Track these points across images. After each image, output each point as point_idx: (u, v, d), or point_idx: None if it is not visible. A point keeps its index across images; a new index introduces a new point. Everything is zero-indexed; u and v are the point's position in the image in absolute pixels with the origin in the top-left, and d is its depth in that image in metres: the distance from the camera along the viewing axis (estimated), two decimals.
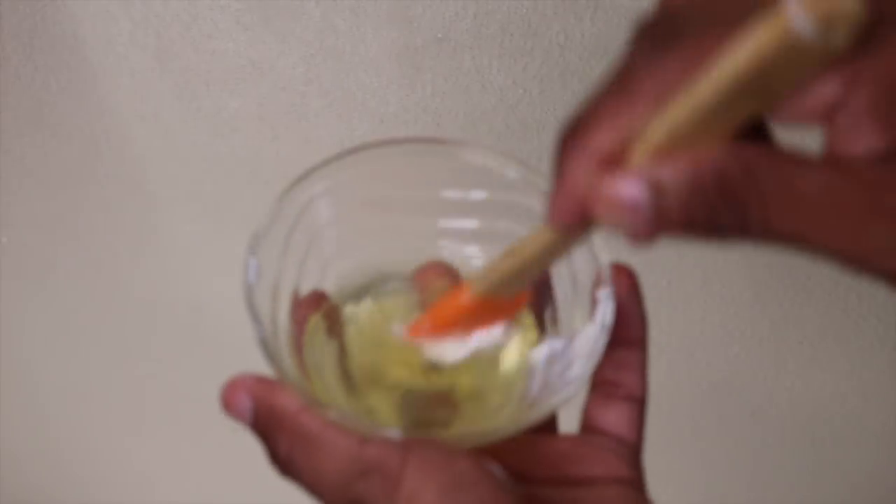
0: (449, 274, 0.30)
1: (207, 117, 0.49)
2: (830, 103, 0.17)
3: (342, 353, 0.29)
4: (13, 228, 0.61)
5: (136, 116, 0.50)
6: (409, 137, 0.29)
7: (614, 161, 0.19)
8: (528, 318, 0.30)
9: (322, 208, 0.29)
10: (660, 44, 0.19)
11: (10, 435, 0.82)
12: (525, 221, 0.29)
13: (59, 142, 0.53)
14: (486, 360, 0.29)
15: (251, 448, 0.28)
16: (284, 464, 0.25)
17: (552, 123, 0.44)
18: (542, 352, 0.29)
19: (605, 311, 0.27)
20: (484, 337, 0.28)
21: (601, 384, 0.28)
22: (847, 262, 0.18)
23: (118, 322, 0.66)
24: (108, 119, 0.51)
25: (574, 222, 0.21)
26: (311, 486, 0.25)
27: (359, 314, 0.30)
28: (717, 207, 0.18)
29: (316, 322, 0.29)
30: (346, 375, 0.28)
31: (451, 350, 0.28)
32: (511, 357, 0.29)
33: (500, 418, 0.28)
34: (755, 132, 0.19)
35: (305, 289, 0.29)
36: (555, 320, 0.29)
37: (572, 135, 0.20)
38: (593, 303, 0.27)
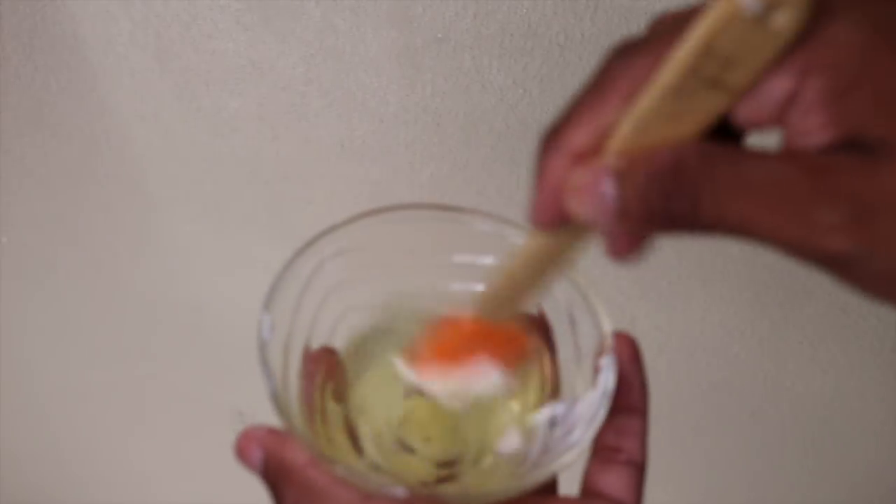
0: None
1: (207, 117, 0.49)
2: (784, 99, 0.18)
3: (348, 414, 0.30)
4: (13, 228, 0.61)
5: (136, 116, 0.50)
6: (419, 203, 0.30)
7: (590, 158, 0.20)
8: (532, 380, 0.30)
9: (333, 270, 0.30)
10: (633, 49, 0.20)
11: (10, 435, 0.82)
12: None
13: (59, 142, 0.53)
14: (490, 422, 0.30)
15: None
16: None
17: None
18: (543, 415, 0.29)
19: (608, 379, 0.27)
20: (488, 379, 0.29)
21: (602, 449, 0.29)
22: (792, 248, 0.18)
23: (118, 322, 0.66)
24: (108, 119, 0.51)
25: (554, 220, 0.21)
26: None
27: (366, 377, 0.31)
28: (671, 195, 0.19)
29: (323, 382, 0.30)
30: (353, 435, 0.29)
31: (455, 389, 0.29)
32: (513, 419, 0.30)
33: (501, 479, 0.29)
34: (726, 138, 0.20)
35: (316, 344, 0.30)
36: (557, 384, 0.30)
37: (551, 136, 0.21)
38: (596, 370, 0.28)
